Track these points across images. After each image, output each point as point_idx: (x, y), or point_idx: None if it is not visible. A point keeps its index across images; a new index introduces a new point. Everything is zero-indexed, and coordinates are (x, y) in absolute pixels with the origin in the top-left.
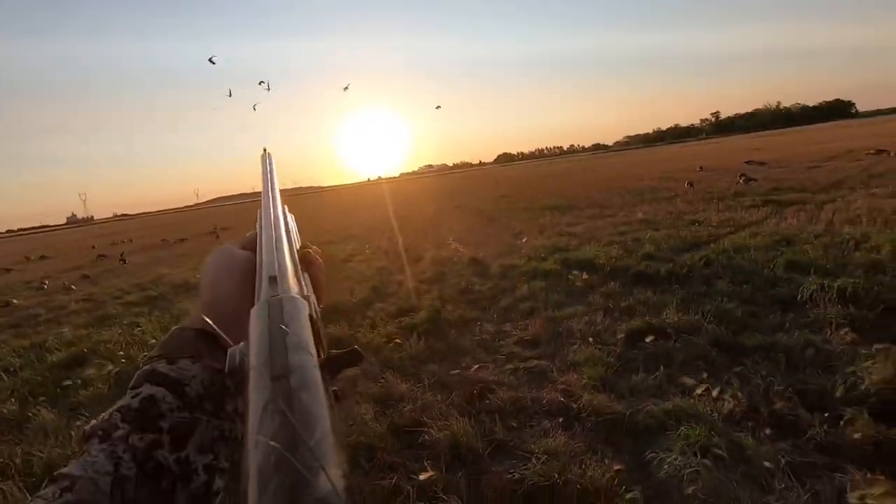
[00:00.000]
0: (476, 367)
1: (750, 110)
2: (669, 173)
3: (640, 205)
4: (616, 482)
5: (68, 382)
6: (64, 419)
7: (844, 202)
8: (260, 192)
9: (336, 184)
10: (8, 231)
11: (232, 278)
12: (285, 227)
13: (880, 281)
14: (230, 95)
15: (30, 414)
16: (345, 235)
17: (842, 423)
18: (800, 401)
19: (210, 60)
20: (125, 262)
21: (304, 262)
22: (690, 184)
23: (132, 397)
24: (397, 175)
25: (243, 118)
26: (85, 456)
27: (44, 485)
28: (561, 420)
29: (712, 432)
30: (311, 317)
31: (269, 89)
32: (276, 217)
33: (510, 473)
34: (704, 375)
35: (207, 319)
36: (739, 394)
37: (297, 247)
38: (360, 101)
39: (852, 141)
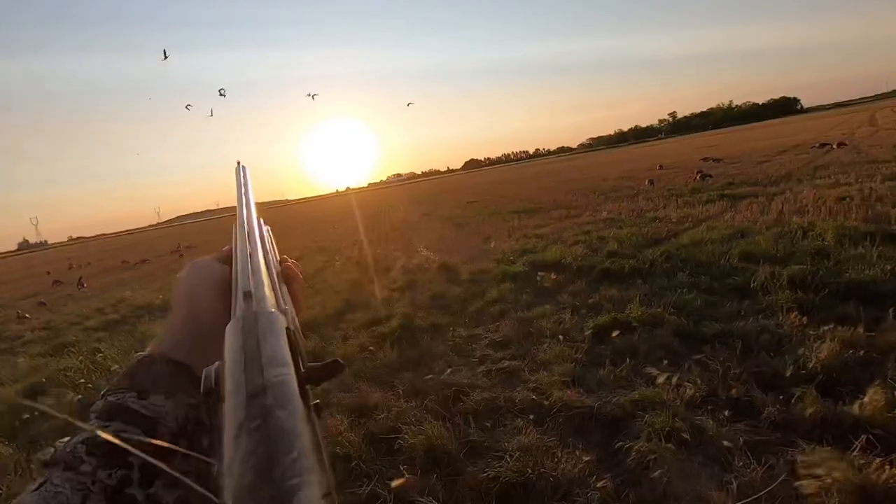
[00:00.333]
0: (449, 370)
1: (705, 109)
2: (631, 172)
3: (604, 204)
4: (587, 472)
5: (27, 416)
6: (24, 453)
7: (793, 193)
8: (230, 207)
9: (302, 197)
10: None
11: (210, 291)
12: (261, 241)
13: (825, 266)
14: (188, 108)
15: None
16: (315, 248)
17: (793, 401)
18: (755, 383)
19: (164, 54)
20: (84, 287)
21: (284, 276)
22: (651, 182)
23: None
24: (365, 185)
25: (204, 134)
26: (47, 485)
27: None
28: (533, 417)
29: (675, 418)
30: (288, 330)
31: (224, 95)
32: (252, 230)
33: (485, 472)
34: (666, 364)
35: (179, 345)
36: (699, 380)
37: (276, 260)
38: (325, 112)
39: (799, 136)
